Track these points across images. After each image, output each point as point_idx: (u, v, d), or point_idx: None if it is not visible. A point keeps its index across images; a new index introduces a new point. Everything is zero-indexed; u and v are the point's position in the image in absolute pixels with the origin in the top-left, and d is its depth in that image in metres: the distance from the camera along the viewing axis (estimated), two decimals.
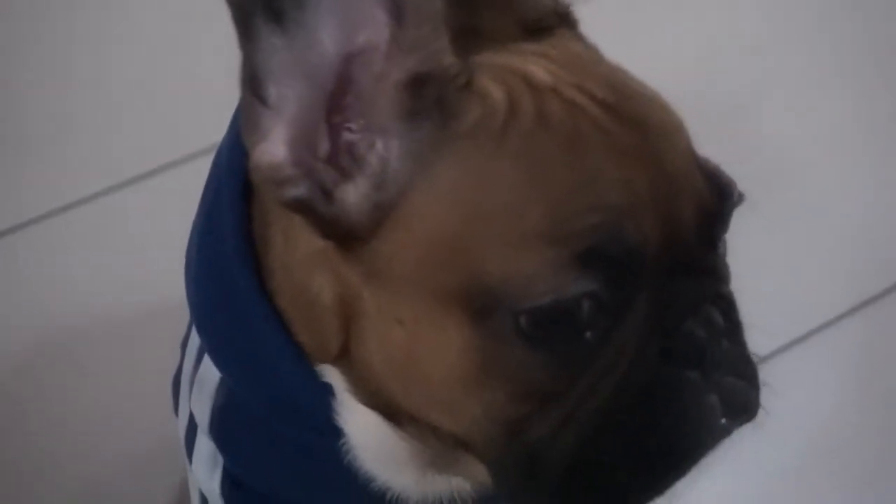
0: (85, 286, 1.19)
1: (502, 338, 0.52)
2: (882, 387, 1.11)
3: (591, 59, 0.61)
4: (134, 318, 1.16)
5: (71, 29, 1.39)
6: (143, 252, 1.19)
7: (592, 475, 0.55)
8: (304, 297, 0.60)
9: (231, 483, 0.74)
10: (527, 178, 0.52)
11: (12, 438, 1.09)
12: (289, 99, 0.51)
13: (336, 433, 0.64)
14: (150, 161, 1.27)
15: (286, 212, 0.56)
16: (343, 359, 0.60)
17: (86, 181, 1.26)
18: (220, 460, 0.73)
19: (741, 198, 0.58)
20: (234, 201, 0.62)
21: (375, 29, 0.50)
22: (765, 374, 0.58)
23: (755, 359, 0.58)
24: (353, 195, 0.54)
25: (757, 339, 0.58)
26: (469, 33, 0.60)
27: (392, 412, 0.61)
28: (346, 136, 0.54)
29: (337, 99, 0.53)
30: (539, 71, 0.56)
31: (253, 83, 0.50)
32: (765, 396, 0.58)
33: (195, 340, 0.71)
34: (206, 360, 0.68)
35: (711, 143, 0.59)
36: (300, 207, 0.54)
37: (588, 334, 0.52)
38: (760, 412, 0.58)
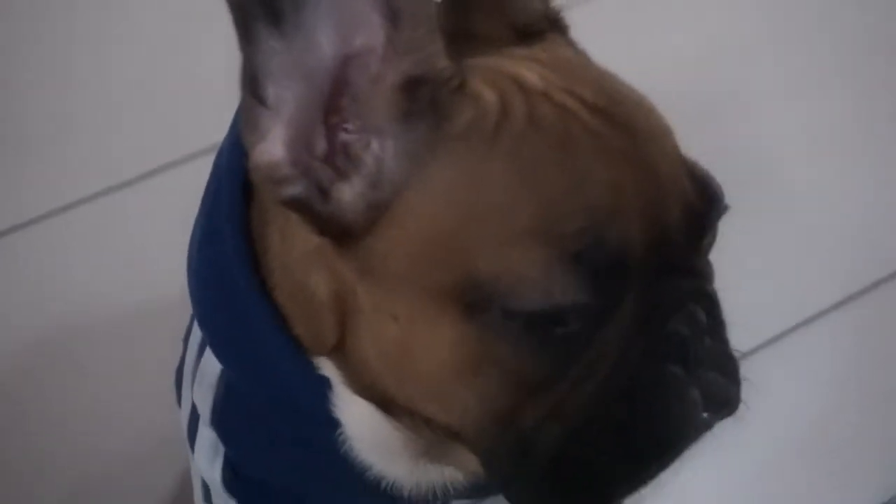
0: (84, 286, 1.17)
1: (493, 333, 0.52)
2: (860, 382, 1.11)
3: (581, 64, 0.61)
4: (134, 317, 1.14)
5: (71, 29, 1.38)
6: (143, 252, 1.18)
7: (579, 465, 0.55)
8: (301, 294, 0.60)
9: (232, 471, 0.74)
10: (518, 178, 0.52)
11: (12, 438, 1.08)
12: (287, 100, 0.51)
13: (333, 424, 0.64)
14: (150, 161, 1.26)
15: (284, 211, 0.56)
16: (339, 352, 0.60)
17: (86, 181, 1.24)
18: (222, 449, 0.73)
19: (726, 208, 0.58)
20: (234, 201, 0.62)
21: (372, 32, 0.50)
22: (746, 370, 0.58)
23: (737, 355, 0.58)
24: (349, 194, 0.54)
25: (739, 337, 0.58)
26: (463, 37, 0.60)
27: (386, 403, 0.61)
28: (343, 136, 0.53)
29: (334, 100, 0.52)
30: (530, 75, 0.56)
31: (252, 84, 0.50)
32: (745, 391, 0.58)
33: (197, 334, 0.70)
34: (208, 353, 0.68)
35: (696, 142, 0.59)
36: (297, 206, 0.54)
37: (576, 332, 0.52)
38: (741, 406, 0.58)
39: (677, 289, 0.54)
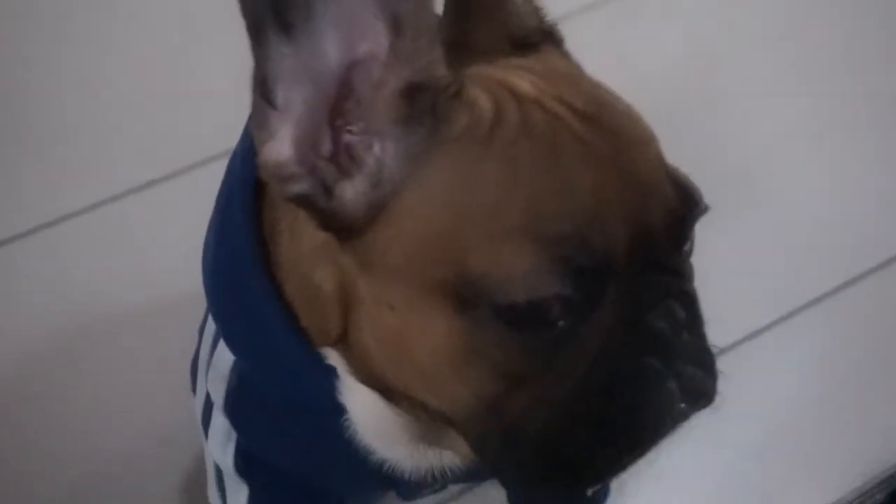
0: (84, 288, 1.15)
1: (482, 325, 0.53)
2: (835, 375, 1.11)
3: (572, 74, 0.62)
4: (134, 318, 1.12)
5: (78, 38, 1.36)
6: (143, 256, 1.16)
7: (563, 451, 0.55)
8: (308, 287, 0.61)
9: (243, 456, 0.75)
10: (509, 181, 0.52)
11: (12, 438, 1.05)
12: (295, 102, 0.52)
13: (339, 410, 0.64)
14: (151, 171, 1.23)
15: (293, 209, 0.57)
16: (343, 342, 0.61)
17: (88, 189, 1.22)
18: (234, 435, 0.74)
19: (706, 208, 0.58)
20: (246, 202, 0.63)
21: (376, 41, 0.51)
22: (722, 364, 0.59)
23: (714, 350, 0.58)
24: (351, 192, 0.54)
25: (716, 332, 0.58)
26: (461, 47, 0.60)
27: (387, 390, 0.62)
28: (347, 137, 0.54)
29: (339, 103, 0.53)
30: (524, 83, 0.56)
31: (263, 87, 0.51)
32: (721, 384, 0.58)
33: (211, 327, 0.71)
34: (221, 344, 0.69)
35: (676, 147, 0.60)
36: (303, 202, 0.54)
37: (560, 325, 0.53)
38: (717, 398, 0.58)
39: (657, 286, 0.55)
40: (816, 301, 1.16)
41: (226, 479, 0.80)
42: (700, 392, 0.57)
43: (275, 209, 0.62)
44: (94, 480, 1.02)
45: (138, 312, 1.11)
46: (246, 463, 0.76)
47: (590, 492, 0.86)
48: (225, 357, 0.69)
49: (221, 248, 0.65)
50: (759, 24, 1.46)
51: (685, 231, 0.57)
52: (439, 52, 0.52)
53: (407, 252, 0.54)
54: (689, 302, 0.57)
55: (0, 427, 1.05)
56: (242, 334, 0.66)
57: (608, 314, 0.54)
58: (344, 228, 0.55)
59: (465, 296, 0.52)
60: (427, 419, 0.62)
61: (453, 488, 0.95)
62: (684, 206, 0.56)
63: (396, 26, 0.50)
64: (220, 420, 0.74)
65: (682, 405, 0.56)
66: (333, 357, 0.63)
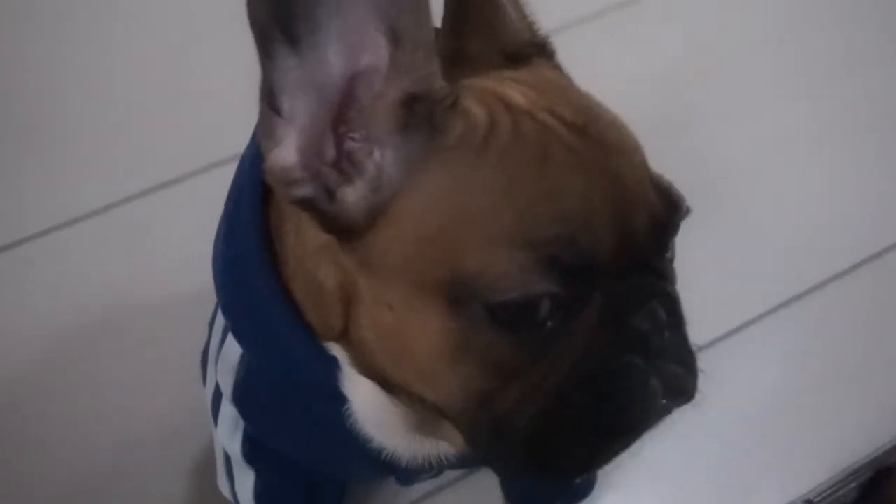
0: (84, 289, 1.13)
1: (475, 323, 0.53)
2: (811, 371, 1.11)
3: (562, 86, 0.62)
4: (134, 319, 1.11)
5: (78, 38, 1.34)
6: (144, 258, 1.15)
7: (550, 443, 0.56)
8: (312, 284, 0.61)
9: (250, 444, 0.76)
10: (501, 187, 0.53)
11: (12, 438, 1.03)
12: (300, 111, 0.52)
13: (341, 400, 0.65)
14: (151, 174, 1.21)
15: (297, 211, 0.57)
16: (345, 337, 0.61)
17: (94, 192, 1.20)
18: (241, 424, 0.75)
19: (688, 211, 0.58)
20: (254, 204, 0.63)
21: (377, 53, 0.51)
22: (707, 358, 0.59)
23: (694, 348, 0.59)
24: (353, 196, 0.54)
25: (697, 332, 0.59)
26: (457, 60, 0.61)
27: (386, 382, 0.62)
28: (349, 144, 0.54)
29: (342, 112, 0.53)
30: (516, 95, 0.57)
31: (270, 96, 0.51)
32: (701, 381, 0.58)
33: (221, 320, 0.71)
34: (230, 337, 0.69)
35: (660, 154, 0.60)
36: (306, 205, 0.55)
37: (548, 324, 0.53)
38: (697, 394, 0.58)
39: (641, 288, 0.55)
40: (797, 298, 1.16)
41: (234, 465, 0.80)
42: (681, 389, 0.57)
43: (281, 211, 0.63)
44: (94, 480, 1.01)
45: (143, 315, 1.10)
46: (253, 449, 0.77)
47: (577, 480, 0.87)
48: (233, 350, 0.70)
49: (230, 248, 0.65)
50: (758, 27, 1.46)
51: (668, 235, 0.58)
52: (436, 65, 0.53)
53: (405, 253, 0.54)
54: (672, 303, 0.57)
55: (7, 428, 1.04)
56: (250, 329, 0.66)
57: (594, 314, 0.54)
58: (345, 230, 0.55)
59: (459, 295, 0.53)
60: (423, 411, 0.62)
61: (449, 475, 0.95)
62: (667, 211, 0.57)
63: (396, 40, 0.51)
64: (228, 409, 0.75)
65: (664, 401, 0.56)
66: (336, 350, 0.63)
